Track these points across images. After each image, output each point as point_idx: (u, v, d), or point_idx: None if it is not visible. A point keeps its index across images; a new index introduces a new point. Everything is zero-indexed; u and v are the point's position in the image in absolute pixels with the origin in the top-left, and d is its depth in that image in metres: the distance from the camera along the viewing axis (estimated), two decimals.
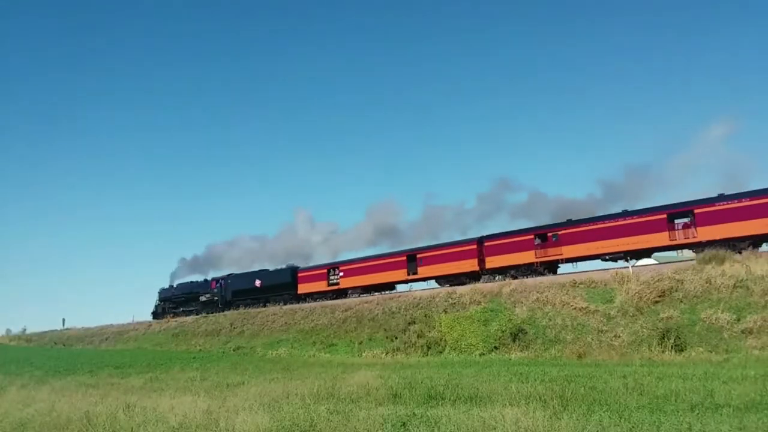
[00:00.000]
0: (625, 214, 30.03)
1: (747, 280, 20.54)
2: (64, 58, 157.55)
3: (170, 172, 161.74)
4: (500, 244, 34.22)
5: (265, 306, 43.96)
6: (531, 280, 28.35)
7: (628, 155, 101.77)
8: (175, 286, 58.78)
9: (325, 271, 44.24)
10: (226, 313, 44.69)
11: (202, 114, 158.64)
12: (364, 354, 26.75)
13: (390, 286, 40.28)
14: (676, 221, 28.14)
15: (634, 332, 20.67)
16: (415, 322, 27.10)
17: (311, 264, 48.90)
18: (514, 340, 22.61)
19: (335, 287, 42.43)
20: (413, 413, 9.94)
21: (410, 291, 36.03)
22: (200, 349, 37.06)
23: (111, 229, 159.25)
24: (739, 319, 19.00)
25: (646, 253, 29.77)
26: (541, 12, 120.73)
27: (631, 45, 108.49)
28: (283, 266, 48.97)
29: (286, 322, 35.82)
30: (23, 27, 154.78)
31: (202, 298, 52.85)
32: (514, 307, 25.13)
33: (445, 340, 24.66)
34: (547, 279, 27.70)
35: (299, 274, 45.96)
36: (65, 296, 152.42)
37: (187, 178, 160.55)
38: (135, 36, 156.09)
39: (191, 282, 57.29)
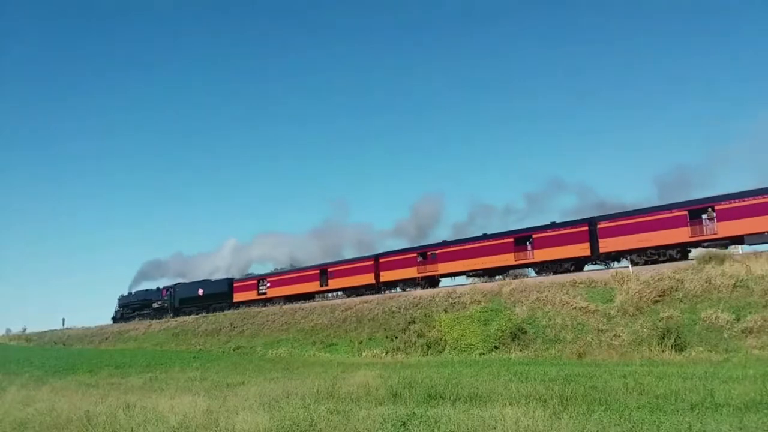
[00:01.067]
0: (485, 237, 35.01)
1: (747, 279, 20.56)
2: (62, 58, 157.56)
3: (186, 171, 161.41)
4: (392, 260, 39.39)
5: (207, 312, 48.92)
6: (531, 280, 28.37)
7: (684, 154, 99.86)
8: (133, 293, 63.91)
9: (256, 281, 49.78)
10: (226, 312, 45.05)
11: (220, 115, 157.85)
12: (364, 354, 26.75)
13: (310, 295, 45.02)
14: (521, 244, 33.34)
15: (634, 332, 20.68)
16: (415, 322, 27.11)
17: (245, 275, 54.90)
18: (513, 340, 22.62)
19: (263, 296, 47.87)
20: (413, 413, 9.93)
21: (410, 291, 36.03)
22: (200, 349, 37.06)
23: (112, 230, 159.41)
24: (739, 319, 19.01)
25: (501, 270, 33.67)
26: (588, 10, 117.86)
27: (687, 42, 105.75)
28: (222, 277, 55.94)
29: (286, 322, 35.82)
30: (22, 26, 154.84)
31: (155, 305, 57.59)
32: (514, 306, 25.13)
33: (445, 340, 24.67)
34: (547, 279, 27.70)
35: (235, 284, 51.72)
36: (65, 296, 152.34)
37: (201, 177, 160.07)
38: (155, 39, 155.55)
39: (146, 290, 62.36)
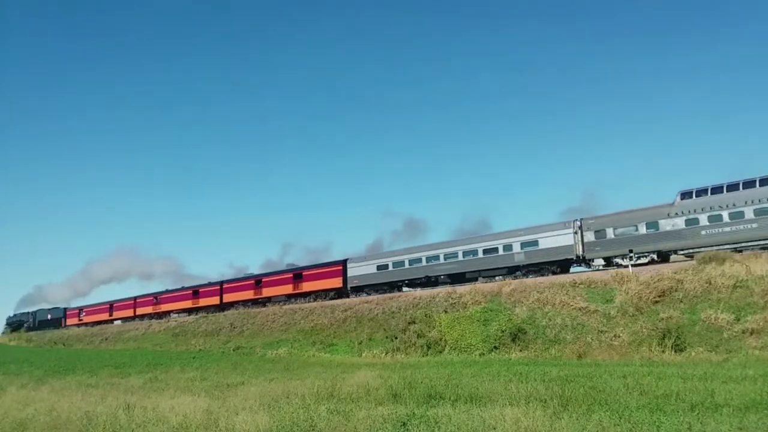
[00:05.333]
0: (167, 291, 58.91)
1: (747, 280, 20.53)
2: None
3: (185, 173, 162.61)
4: (143, 301, 60.64)
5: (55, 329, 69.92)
6: (531, 280, 28.35)
7: None
8: (15, 315, 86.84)
9: (78, 311, 72.56)
10: (225, 313, 45.16)
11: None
12: (364, 354, 26.73)
13: (107, 321, 63.85)
14: (195, 295, 53.68)
15: (634, 332, 20.66)
16: (415, 322, 27.06)
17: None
18: (513, 340, 22.60)
19: (81, 321, 69.47)
20: (413, 413, 9.94)
21: (410, 291, 36.04)
22: (200, 349, 37.04)
23: (117, 231, 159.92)
24: (739, 319, 18.99)
25: (181, 312, 54.39)
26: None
27: None
28: (59, 306, 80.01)
29: (286, 322, 35.79)
30: (22, 25, 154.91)
31: (25, 325, 78.74)
32: (514, 307, 25.10)
33: (445, 340, 24.65)
34: (547, 279, 27.70)
35: (67, 312, 74.90)
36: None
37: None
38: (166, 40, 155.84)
39: (22, 313, 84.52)
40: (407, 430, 9.00)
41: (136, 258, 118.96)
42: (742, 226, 24.56)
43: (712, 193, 25.93)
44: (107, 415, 11.54)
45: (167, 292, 58.44)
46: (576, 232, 30.35)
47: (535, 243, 31.82)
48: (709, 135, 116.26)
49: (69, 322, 72.49)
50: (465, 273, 34.41)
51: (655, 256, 27.70)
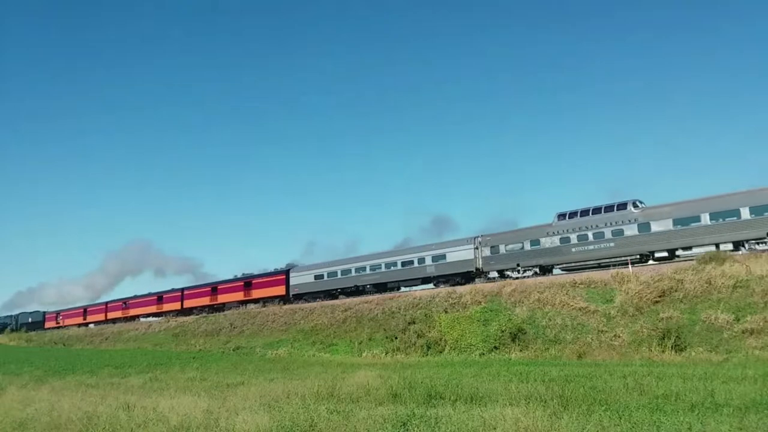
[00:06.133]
0: (134, 297, 62.86)
1: (747, 280, 20.54)
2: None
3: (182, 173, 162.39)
4: (114, 305, 65.27)
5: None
6: (531, 280, 28.37)
7: None
8: (1, 317, 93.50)
9: (55, 315, 78.13)
10: (225, 313, 45.24)
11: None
12: (364, 354, 26.73)
13: (83, 324, 69.06)
14: (160, 301, 58.12)
15: (634, 332, 20.67)
16: (415, 322, 27.07)
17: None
18: (513, 340, 22.61)
19: (60, 324, 74.58)
20: (413, 413, 9.92)
21: (410, 291, 36.08)
22: (200, 349, 37.02)
23: (122, 232, 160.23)
24: (738, 319, 18.99)
25: (144, 316, 59.78)
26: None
27: None
28: (39, 310, 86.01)
29: (286, 322, 35.79)
30: (23, 26, 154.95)
31: (9, 327, 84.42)
32: (514, 307, 25.11)
33: (445, 340, 24.65)
34: (547, 279, 27.71)
35: (46, 316, 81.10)
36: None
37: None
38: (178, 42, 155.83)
39: (7, 316, 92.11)
40: (407, 430, 8.99)
41: (149, 251, 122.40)
42: (602, 245, 27.72)
43: (581, 216, 28.99)
44: (107, 415, 11.52)
45: (135, 297, 63.09)
46: (476, 248, 33.23)
47: (443, 257, 34.77)
48: (730, 133, 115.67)
49: (48, 325, 78.03)
50: (387, 283, 37.29)
51: (538, 270, 30.40)
